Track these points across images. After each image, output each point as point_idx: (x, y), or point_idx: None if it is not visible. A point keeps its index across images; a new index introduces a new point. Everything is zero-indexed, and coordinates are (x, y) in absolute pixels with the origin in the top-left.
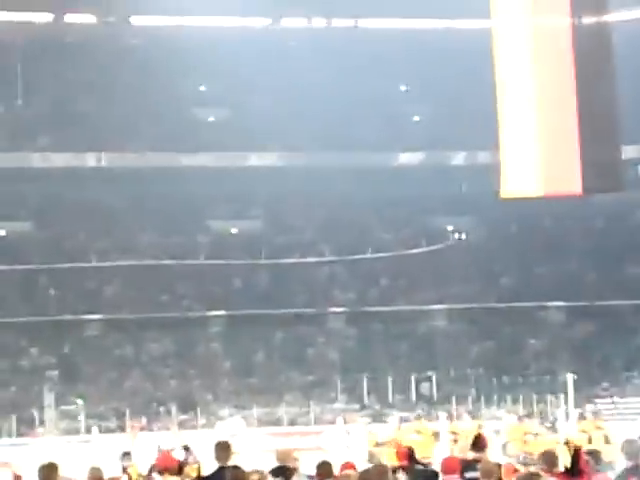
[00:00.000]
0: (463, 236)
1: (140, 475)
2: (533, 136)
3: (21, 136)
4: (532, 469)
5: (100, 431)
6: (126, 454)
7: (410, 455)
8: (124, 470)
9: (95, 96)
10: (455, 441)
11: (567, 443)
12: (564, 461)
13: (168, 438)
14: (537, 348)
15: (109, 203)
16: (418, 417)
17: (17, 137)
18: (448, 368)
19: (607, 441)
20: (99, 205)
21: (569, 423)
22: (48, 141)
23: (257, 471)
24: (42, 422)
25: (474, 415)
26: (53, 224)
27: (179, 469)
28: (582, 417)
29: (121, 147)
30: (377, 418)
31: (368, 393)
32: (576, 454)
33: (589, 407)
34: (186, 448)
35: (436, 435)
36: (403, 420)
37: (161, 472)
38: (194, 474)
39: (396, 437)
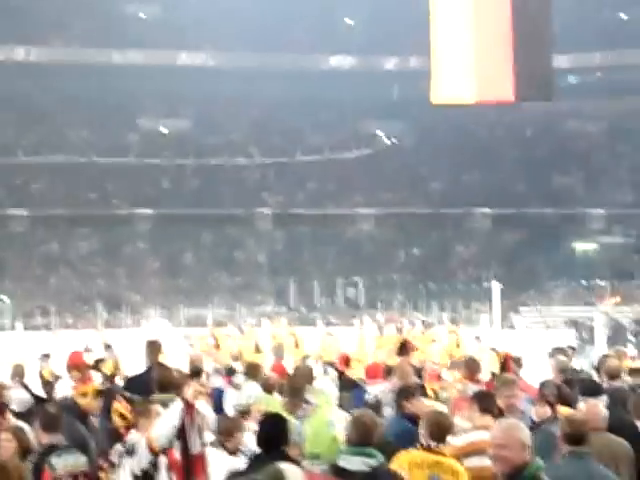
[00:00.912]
0: (393, 141)
1: (53, 374)
2: (466, 42)
3: None
4: (456, 375)
5: (25, 328)
6: (45, 356)
7: (347, 361)
8: (40, 373)
9: None
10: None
11: (494, 350)
12: (492, 368)
13: (92, 336)
14: (464, 255)
15: (38, 99)
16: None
17: None
18: (375, 273)
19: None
20: (28, 100)
21: (494, 330)
22: None
23: (179, 371)
24: None
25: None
26: None
27: (94, 366)
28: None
29: (50, 42)
30: (303, 321)
31: (295, 296)
32: (505, 361)
33: (514, 316)
34: (107, 346)
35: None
36: (329, 324)
37: (70, 370)
38: (108, 372)
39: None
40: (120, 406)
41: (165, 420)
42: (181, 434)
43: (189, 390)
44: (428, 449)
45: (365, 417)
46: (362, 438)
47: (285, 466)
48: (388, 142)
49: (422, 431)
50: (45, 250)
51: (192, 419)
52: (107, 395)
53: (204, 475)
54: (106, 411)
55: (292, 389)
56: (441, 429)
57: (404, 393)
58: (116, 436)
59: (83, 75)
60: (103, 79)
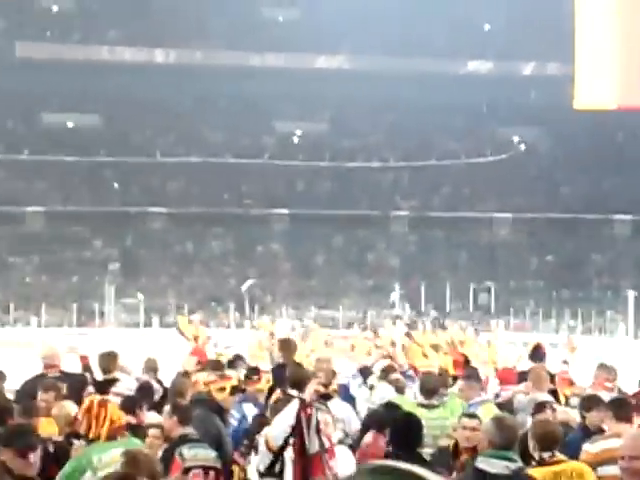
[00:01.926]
0: (529, 146)
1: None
2: (610, 48)
3: (91, 29)
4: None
5: (160, 325)
6: (180, 353)
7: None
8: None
9: None
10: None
11: None
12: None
13: (224, 335)
14: (600, 263)
15: (176, 100)
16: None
17: (88, 30)
18: (508, 279)
19: None
20: (166, 101)
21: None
22: (118, 35)
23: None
24: (102, 314)
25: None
26: (120, 118)
27: (231, 363)
28: None
29: (190, 44)
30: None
31: (426, 300)
32: None
33: None
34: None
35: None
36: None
37: (204, 366)
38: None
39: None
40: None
41: (281, 419)
42: (298, 433)
43: (309, 389)
44: (541, 463)
45: (510, 420)
46: (507, 442)
47: (422, 471)
48: (524, 147)
49: (531, 443)
50: (180, 249)
51: (309, 418)
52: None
53: (323, 476)
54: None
55: (426, 390)
56: (550, 439)
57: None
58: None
59: (221, 77)
60: (240, 81)
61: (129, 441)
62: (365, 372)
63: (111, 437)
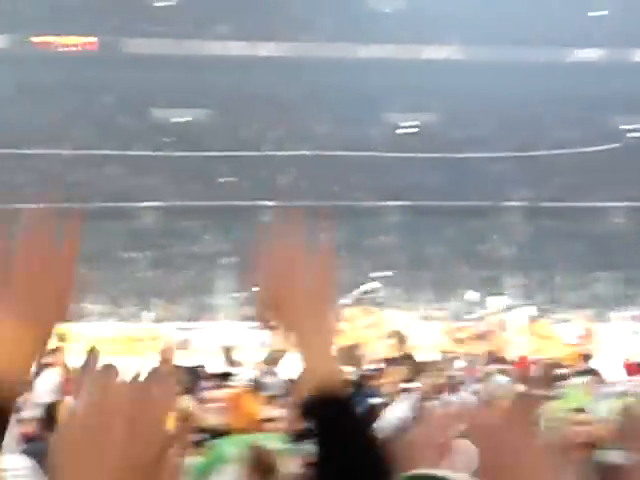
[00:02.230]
0: None
1: None
2: None
3: (200, 24)
4: None
5: None
6: None
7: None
8: None
9: None
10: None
11: None
12: None
13: None
14: None
15: (285, 93)
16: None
17: (198, 24)
18: (622, 269)
19: None
20: (275, 94)
21: None
22: (227, 29)
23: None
24: (214, 308)
25: None
26: (230, 112)
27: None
28: None
29: (297, 37)
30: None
31: (539, 291)
32: None
33: None
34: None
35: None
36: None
37: None
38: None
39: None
40: None
41: None
42: None
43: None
44: None
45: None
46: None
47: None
48: (637, 136)
49: None
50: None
51: None
52: None
53: None
54: None
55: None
56: None
57: None
58: None
59: (328, 70)
60: (348, 73)
61: (261, 435)
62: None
63: (244, 430)
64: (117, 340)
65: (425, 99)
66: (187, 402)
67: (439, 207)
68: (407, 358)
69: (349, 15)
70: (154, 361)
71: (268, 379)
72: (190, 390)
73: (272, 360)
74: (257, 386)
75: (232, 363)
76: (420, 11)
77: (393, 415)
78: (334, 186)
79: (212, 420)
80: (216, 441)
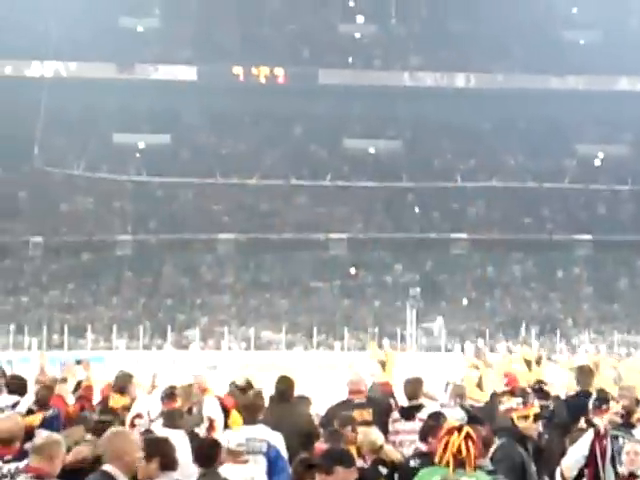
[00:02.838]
0: None
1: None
2: None
3: (393, 55)
4: None
5: (461, 350)
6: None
7: None
8: None
9: (466, 17)
10: None
11: None
12: None
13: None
14: None
15: (476, 124)
16: None
17: (389, 56)
18: None
19: None
20: (466, 125)
21: None
22: (419, 60)
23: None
24: (403, 338)
25: None
26: (421, 143)
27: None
28: None
29: (490, 68)
30: None
31: None
32: None
33: None
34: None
35: None
36: None
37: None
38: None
39: None
40: None
41: (575, 449)
42: (591, 464)
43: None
44: None
45: None
46: None
47: None
48: None
49: None
50: (481, 273)
51: (603, 449)
52: None
53: None
54: None
55: None
56: None
57: None
58: None
59: (521, 100)
60: (541, 104)
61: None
62: None
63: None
64: (309, 369)
65: (617, 130)
66: (376, 434)
67: (630, 240)
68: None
69: (542, 46)
70: (345, 392)
71: (452, 412)
72: (380, 422)
73: (459, 393)
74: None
75: (425, 395)
76: (615, 42)
77: (577, 452)
78: (524, 218)
79: (394, 452)
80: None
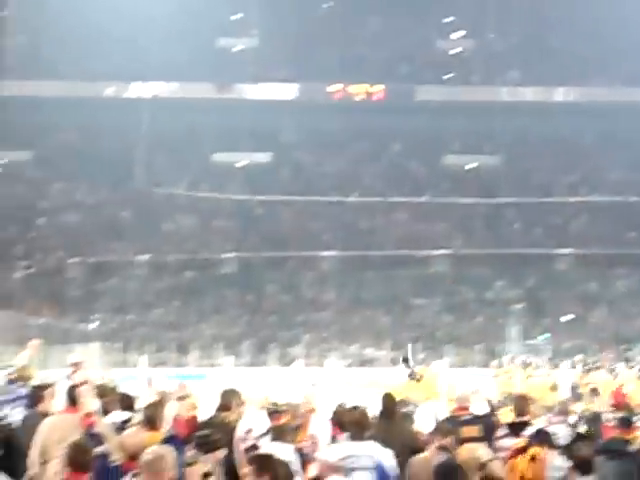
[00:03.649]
0: None
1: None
2: None
3: (492, 70)
4: None
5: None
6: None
7: None
8: None
9: (565, 30)
10: None
11: None
12: None
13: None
14: None
15: (577, 138)
16: None
17: (488, 71)
18: None
19: None
20: (567, 140)
21: None
22: (518, 75)
23: None
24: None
25: None
26: (521, 158)
27: None
28: None
29: (590, 82)
30: None
31: None
32: None
33: None
34: None
35: None
36: None
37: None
38: None
39: None
40: None
41: None
42: None
43: None
44: None
45: None
46: None
47: None
48: None
49: None
50: (584, 289)
51: None
52: None
53: None
54: None
55: None
56: None
57: None
58: None
59: (622, 114)
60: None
61: None
62: None
63: None
64: (409, 386)
65: None
66: (481, 451)
67: None
68: None
69: None
70: (451, 408)
71: (557, 430)
72: (487, 439)
73: (563, 410)
74: (545, 437)
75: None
76: None
77: None
78: (628, 233)
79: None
80: None
